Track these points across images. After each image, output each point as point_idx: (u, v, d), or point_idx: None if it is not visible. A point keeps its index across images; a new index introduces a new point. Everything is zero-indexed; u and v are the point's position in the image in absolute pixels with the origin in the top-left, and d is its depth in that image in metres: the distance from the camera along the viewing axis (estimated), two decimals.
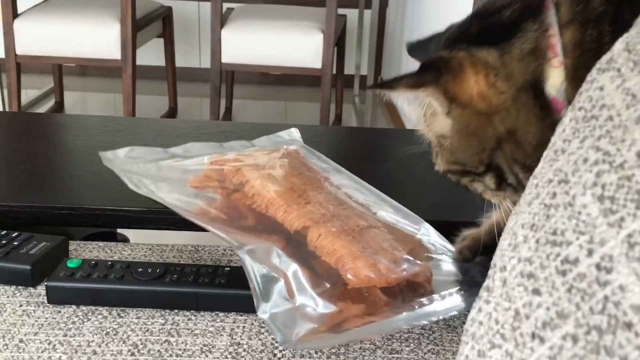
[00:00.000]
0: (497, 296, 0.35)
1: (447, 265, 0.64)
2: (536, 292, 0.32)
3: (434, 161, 0.57)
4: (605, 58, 0.37)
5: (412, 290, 0.59)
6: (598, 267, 0.29)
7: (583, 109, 0.35)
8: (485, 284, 0.37)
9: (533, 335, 0.31)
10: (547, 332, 0.30)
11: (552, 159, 0.36)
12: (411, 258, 0.62)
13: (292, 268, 0.58)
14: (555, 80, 0.49)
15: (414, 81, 0.51)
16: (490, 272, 0.37)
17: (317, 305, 0.56)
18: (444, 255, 0.65)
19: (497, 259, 0.37)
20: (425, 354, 0.58)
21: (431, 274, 0.61)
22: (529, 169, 0.48)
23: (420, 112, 0.55)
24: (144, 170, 0.69)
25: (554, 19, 0.48)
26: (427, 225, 0.68)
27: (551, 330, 0.30)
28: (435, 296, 0.59)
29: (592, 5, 0.48)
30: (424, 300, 0.58)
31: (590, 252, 0.30)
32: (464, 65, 0.50)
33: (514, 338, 0.32)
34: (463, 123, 0.52)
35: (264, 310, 0.55)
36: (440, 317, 0.58)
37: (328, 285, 0.57)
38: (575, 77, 0.48)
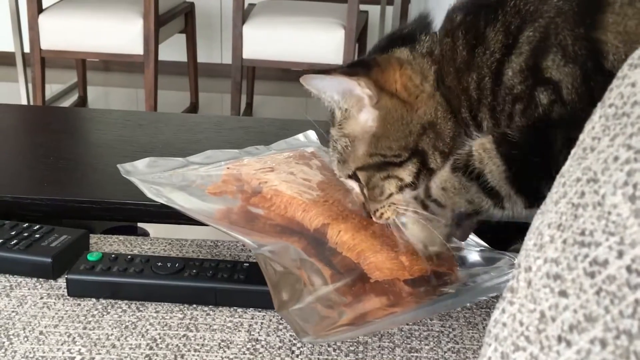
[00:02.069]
0: (521, 297, 0.34)
1: (472, 255, 0.64)
2: (563, 294, 0.31)
3: (336, 170, 0.63)
4: (637, 53, 0.35)
5: (437, 279, 0.59)
6: (629, 269, 0.28)
7: (614, 106, 0.34)
8: (509, 284, 0.36)
9: (559, 339, 0.30)
10: (575, 335, 0.29)
11: (581, 157, 0.35)
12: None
13: (310, 264, 0.58)
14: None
15: (349, 71, 0.59)
16: (514, 272, 0.36)
17: (336, 299, 0.55)
18: (469, 245, 0.65)
19: (521, 259, 0.36)
20: (445, 352, 0.57)
21: (456, 263, 0.61)
22: (446, 157, 0.58)
23: (338, 114, 0.61)
24: (162, 179, 0.69)
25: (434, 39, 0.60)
26: None
27: (578, 333, 0.29)
28: (459, 285, 0.59)
29: (454, 21, 0.58)
30: (446, 289, 0.58)
31: (620, 254, 0.29)
32: (388, 61, 0.59)
33: (539, 341, 0.31)
34: (391, 111, 0.59)
35: (282, 307, 0.55)
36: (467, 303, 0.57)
37: (348, 280, 0.57)
38: (441, 80, 0.58)
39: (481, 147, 0.55)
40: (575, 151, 0.36)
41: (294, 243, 0.61)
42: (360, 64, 0.61)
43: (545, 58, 0.53)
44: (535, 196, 0.54)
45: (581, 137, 0.36)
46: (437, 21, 0.63)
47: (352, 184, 0.63)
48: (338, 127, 0.62)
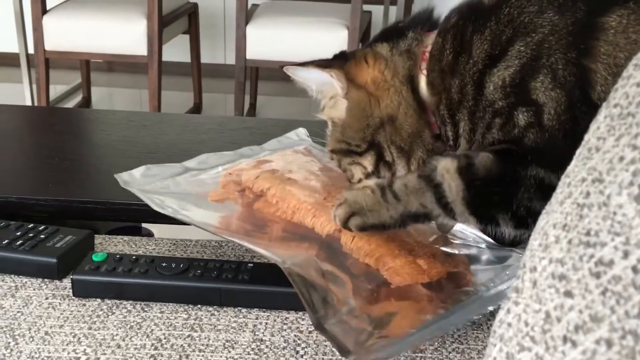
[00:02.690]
0: (526, 297, 0.34)
1: (482, 253, 0.64)
2: (568, 294, 0.31)
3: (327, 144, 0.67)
4: None
5: (454, 280, 0.59)
6: (634, 269, 0.28)
7: (619, 106, 0.34)
8: (514, 284, 0.36)
9: (565, 339, 0.30)
10: (580, 335, 0.29)
11: (586, 157, 0.35)
12: (448, 250, 0.62)
13: (331, 274, 0.58)
14: (423, 84, 0.60)
15: (324, 63, 0.62)
16: (519, 272, 0.36)
17: (363, 309, 0.55)
18: (477, 243, 0.65)
19: (526, 260, 0.36)
20: (449, 352, 0.57)
21: (469, 262, 0.61)
22: (403, 151, 0.61)
23: (324, 100, 0.65)
24: (163, 188, 0.69)
25: (432, 39, 0.59)
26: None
27: (584, 334, 0.29)
28: (482, 288, 0.59)
29: (450, 22, 0.59)
30: (469, 289, 0.58)
31: (626, 254, 0.29)
32: (365, 56, 0.62)
33: (545, 341, 0.31)
34: (356, 102, 0.61)
35: (319, 325, 0.54)
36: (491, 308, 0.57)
37: (370, 287, 0.57)
38: (429, 82, 0.59)
39: (444, 169, 0.55)
40: (581, 151, 0.36)
41: (307, 250, 0.60)
42: (339, 57, 0.63)
43: (535, 78, 0.53)
44: (489, 222, 0.55)
45: (586, 137, 0.36)
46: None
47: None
48: (321, 111, 0.66)
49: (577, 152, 0.37)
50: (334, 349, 0.57)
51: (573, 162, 0.37)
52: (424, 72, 0.60)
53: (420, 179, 0.56)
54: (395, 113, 0.60)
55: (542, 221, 0.37)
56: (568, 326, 0.30)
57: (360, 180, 0.64)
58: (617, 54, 0.50)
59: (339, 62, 0.62)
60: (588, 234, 0.31)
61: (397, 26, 0.64)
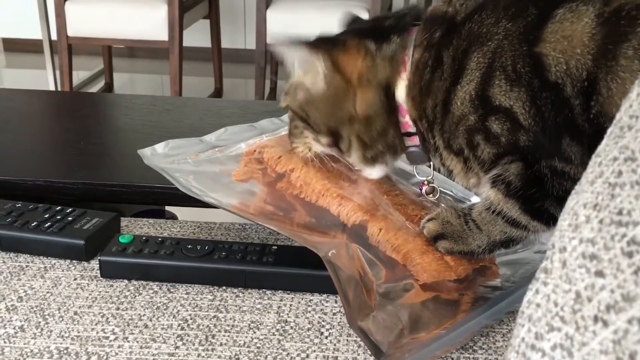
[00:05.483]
0: (556, 278, 0.33)
1: None
2: (599, 274, 0.30)
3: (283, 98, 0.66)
4: None
5: (481, 273, 0.59)
6: None
7: None
8: (542, 265, 0.36)
9: (596, 319, 0.29)
10: (612, 315, 0.29)
11: (618, 136, 0.34)
12: None
13: (369, 260, 0.58)
14: (401, 90, 0.59)
15: (312, 44, 0.61)
16: (548, 253, 0.36)
17: (394, 304, 0.55)
18: None
19: (555, 240, 0.35)
20: (474, 336, 0.57)
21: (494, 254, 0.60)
22: (365, 145, 0.61)
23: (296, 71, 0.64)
24: (185, 168, 0.69)
25: (412, 42, 0.59)
26: (475, 197, 0.67)
27: (616, 313, 0.29)
28: (507, 283, 0.59)
29: (435, 36, 0.58)
30: (496, 283, 0.58)
31: None
32: (355, 47, 0.61)
33: (575, 321, 0.31)
34: (333, 91, 0.61)
35: (351, 322, 0.54)
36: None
37: (401, 283, 0.57)
38: (411, 91, 0.59)
39: (497, 200, 0.56)
40: (612, 130, 0.35)
41: (333, 238, 0.60)
42: (326, 40, 0.62)
43: (492, 85, 0.53)
44: (549, 219, 0.55)
45: (618, 115, 0.36)
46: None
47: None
48: (291, 76, 0.65)
49: (609, 130, 0.36)
50: (356, 337, 0.57)
51: (604, 141, 0.36)
52: (405, 79, 0.59)
53: (487, 212, 0.57)
54: (368, 112, 0.60)
55: (571, 201, 0.36)
56: (599, 306, 0.30)
57: (306, 138, 0.64)
58: (565, 26, 0.50)
59: (327, 45, 0.61)
60: (620, 213, 0.31)
61: (383, 24, 0.63)
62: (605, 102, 0.49)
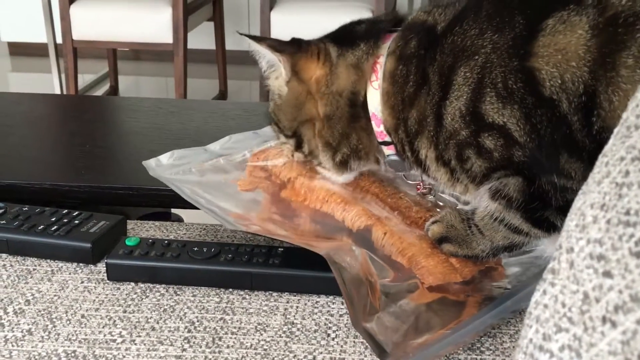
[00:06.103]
0: (563, 278, 0.33)
1: None
2: (607, 274, 0.30)
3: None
4: None
5: (487, 275, 0.59)
6: None
7: None
8: (549, 266, 0.36)
9: (604, 319, 0.29)
10: (620, 316, 0.29)
11: (625, 136, 0.34)
12: None
13: (376, 263, 0.58)
14: (374, 100, 0.59)
15: (276, 45, 0.62)
16: (555, 254, 0.36)
17: (399, 305, 0.55)
18: None
19: (562, 240, 0.35)
20: (481, 337, 0.57)
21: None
22: (329, 146, 0.61)
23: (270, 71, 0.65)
24: (190, 179, 0.69)
25: (385, 49, 0.58)
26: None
27: (624, 314, 0.29)
28: (514, 283, 0.59)
29: (409, 46, 0.57)
30: (503, 284, 0.58)
31: None
32: (317, 52, 0.61)
33: (583, 322, 0.31)
34: (294, 94, 0.62)
35: (356, 322, 0.55)
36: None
37: (406, 284, 0.57)
38: (387, 101, 0.58)
39: (498, 210, 0.56)
40: (619, 129, 0.35)
41: (341, 241, 0.60)
42: (294, 43, 0.63)
43: (483, 101, 0.52)
44: (550, 228, 0.55)
45: (624, 115, 0.36)
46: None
47: None
48: (267, 77, 0.66)
49: (615, 130, 0.36)
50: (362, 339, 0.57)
51: (611, 141, 0.36)
52: (378, 88, 0.58)
53: (489, 218, 0.57)
54: (332, 113, 0.60)
55: (578, 201, 0.36)
56: (607, 306, 0.29)
57: (293, 155, 0.65)
58: (557, 39, 0.48)
59: (291, 49, 0.61)
60: (628, 213, 0.31)
61: (353, 30, 0.63)
62: (608, 117, 0.47)
